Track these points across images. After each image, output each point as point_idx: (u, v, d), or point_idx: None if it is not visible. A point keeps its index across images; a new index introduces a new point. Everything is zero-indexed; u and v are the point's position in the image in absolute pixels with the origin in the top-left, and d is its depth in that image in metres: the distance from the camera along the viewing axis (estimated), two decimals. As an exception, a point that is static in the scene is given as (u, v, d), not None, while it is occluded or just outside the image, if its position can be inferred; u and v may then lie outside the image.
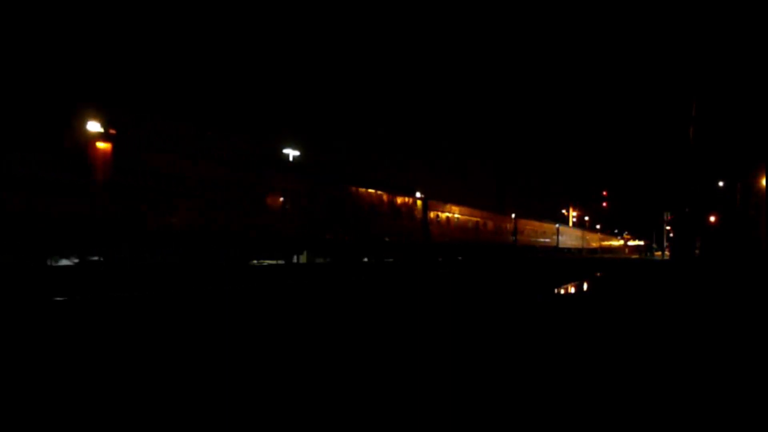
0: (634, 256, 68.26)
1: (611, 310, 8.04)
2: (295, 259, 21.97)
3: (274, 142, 24.40)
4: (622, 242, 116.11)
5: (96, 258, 14.42)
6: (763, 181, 19.87)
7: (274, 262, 21.28)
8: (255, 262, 20.05)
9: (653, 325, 6.60)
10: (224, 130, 20.19)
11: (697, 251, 31.70)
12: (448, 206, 33.62)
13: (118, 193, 14.44)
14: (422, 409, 3.11)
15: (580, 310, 8.13)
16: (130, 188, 14.77)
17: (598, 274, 19.30)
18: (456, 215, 34.57)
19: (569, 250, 64.02)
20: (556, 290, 11.54)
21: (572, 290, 11.91)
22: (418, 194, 29.92)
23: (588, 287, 12.97)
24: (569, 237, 65.56)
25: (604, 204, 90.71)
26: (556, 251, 57.74)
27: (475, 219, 37.64)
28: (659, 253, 66.93)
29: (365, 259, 25.61)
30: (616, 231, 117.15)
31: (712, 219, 28.51)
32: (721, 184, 25.64)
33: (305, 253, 22.78)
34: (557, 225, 61.23)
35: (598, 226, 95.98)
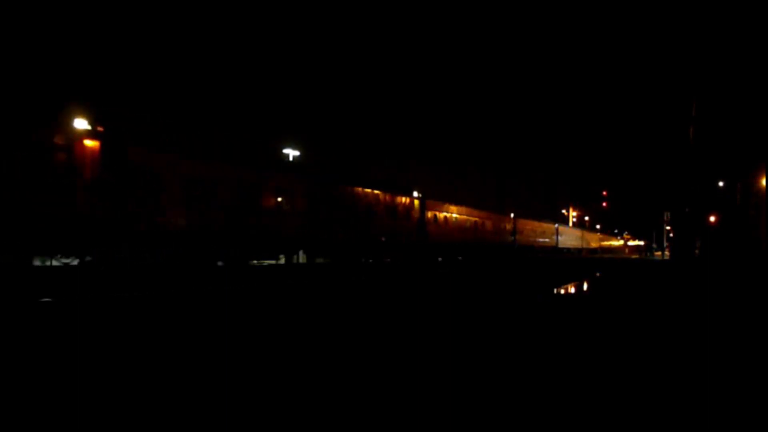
0: (634, 256, 68.22)
1: (611, 311, 8.04)
2: (294, 259, 21.97)
3: (274, 142, 24.43)
4: (621, 242, 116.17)
5: (90, 258, 14.33)
6: (763, 181, 19.84)
7: (273, 262, 21.28)
8: (255, 262, 20.04)
9: (653, 325, 6.60)
10: (224, 129, 20.22)
11: (697, 251, 31.68)
12: (446, 206, 33.56)
13: (118, 193, 14.41)
14: (422, 409, 3.11)
15: (580, 310, 8.13)
16: (130, 188, 14.75)
17: (598, 274, 19.29)
18: (455, 215, 34.54)
19: (569, 250, 64.03)
20: (555, 290, 11.54)
21: (572, 290, 11.90)
22: (415, 194, 29.86)
23: (588, 287, 12.97)
24: (569, 237, 65.56)
25: (604, 204, 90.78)
26: (556, 251, 57.74)
27: (474, 219, 37.61)
28: (659, 253, 66.93)
29: (364, 260, 25.59)
30: (616, 231, 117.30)
31: (712, 219, 28.49)
32: (721, 184, 25.62)
33: (305, 253, 22.76)
34: (557, 225, 61.19)
35: (598, 226, 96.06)
